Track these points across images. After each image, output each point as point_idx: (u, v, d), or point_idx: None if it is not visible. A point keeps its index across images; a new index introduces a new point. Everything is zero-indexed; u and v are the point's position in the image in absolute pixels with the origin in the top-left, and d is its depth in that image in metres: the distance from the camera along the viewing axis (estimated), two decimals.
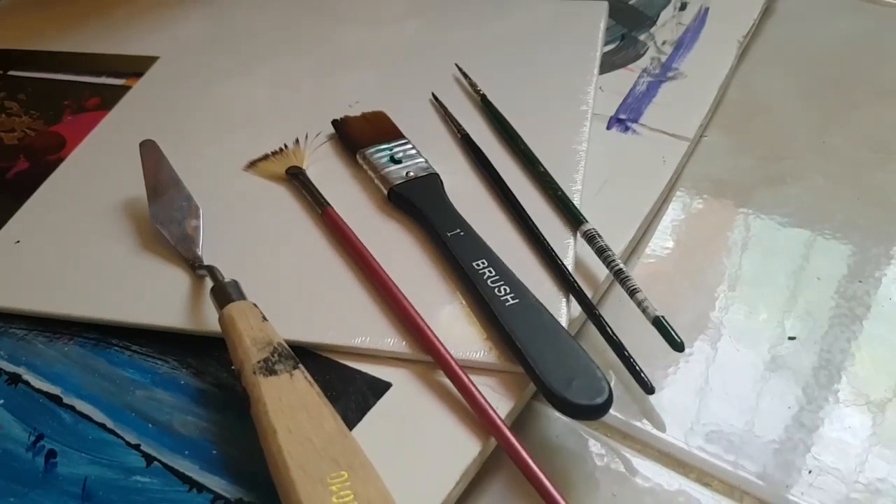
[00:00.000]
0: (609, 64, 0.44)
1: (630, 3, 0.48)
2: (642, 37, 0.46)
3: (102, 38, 0.47)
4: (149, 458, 0.26)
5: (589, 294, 0.31)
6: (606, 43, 0.45)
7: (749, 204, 0.37)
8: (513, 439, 0.26)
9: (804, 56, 0.46)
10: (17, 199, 0.36)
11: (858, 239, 0.35)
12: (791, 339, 0.31)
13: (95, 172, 0.38)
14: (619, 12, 0.48)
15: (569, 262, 0.32)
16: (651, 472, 0.28)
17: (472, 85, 0.41)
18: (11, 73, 0.45)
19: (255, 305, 0.29)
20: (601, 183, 0.37)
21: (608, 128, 0.40)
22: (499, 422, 0.26)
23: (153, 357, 0.30)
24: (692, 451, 0.28)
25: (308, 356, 0.29)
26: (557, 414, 0.28)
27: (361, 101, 0.41)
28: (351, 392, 0.28)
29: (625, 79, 0.43)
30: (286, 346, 0.27)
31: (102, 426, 0.27)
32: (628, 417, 0.29)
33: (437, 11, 0.48)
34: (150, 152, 0.36)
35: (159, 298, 0.31)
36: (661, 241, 0.36)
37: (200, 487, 0.25)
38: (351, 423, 0.27)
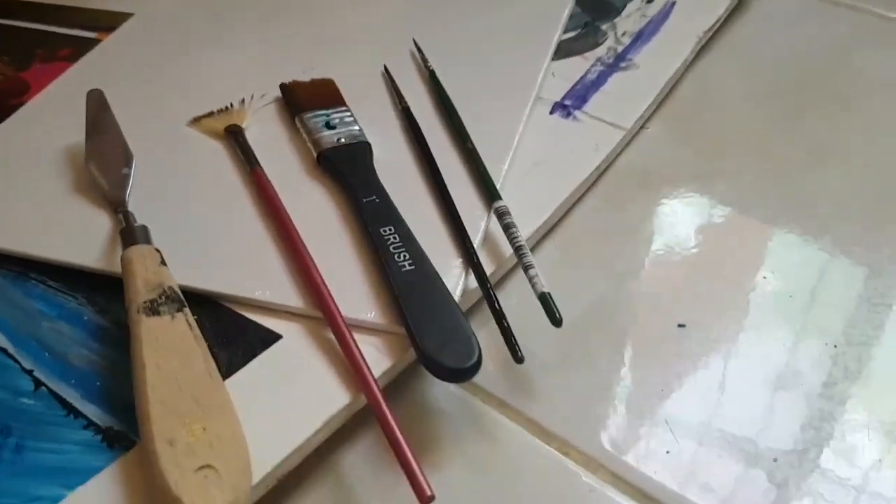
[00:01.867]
0: (566, 50, 0.45)
1: None
2: (604, 26, 0.46)
3: None
4: (38, 383, 0.28)
5: (492, 268, 0.32)
6: (568, 30, 0.46)
7: (672, 196, 0.38)
8: (377, 393, 0.27)
9: (766, 57, 0.46)
10: None
11: (772, 238, 0.36)
12: (680, 326, 0.32)
13: (48, 119, 0.39)
14: (587, 1, 0.48)
15: (477, 236, 0.33)
16: (518, 439, 0.28)
17: (424, 60, 0.42)
18: None
19: (158, 251, 0.30)
20: (531, 165, 0.38)
21: (551, 112, 0.41)
22: (368, 375, 0.27)
23: (64, 293, 0.31)
24: (557, 422, 0.29)
25: (210, 304, 0.31)
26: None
27: (317, 67, 0.42)
28: (241, 340, 0.29)
29: (579, 66, 0.44)
30: (177, 290, 0.29)
31: (3, 350, 0.29)
32: (507, 386, 0.30)
33: None
34: (95, 101, 0.37)
35: (79, 238, 0.33)
36: (580, 225, 0.36)
37: (77, 414, 0.27)
38: (235, 368, 0.28)
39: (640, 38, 0.45)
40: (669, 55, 0.44)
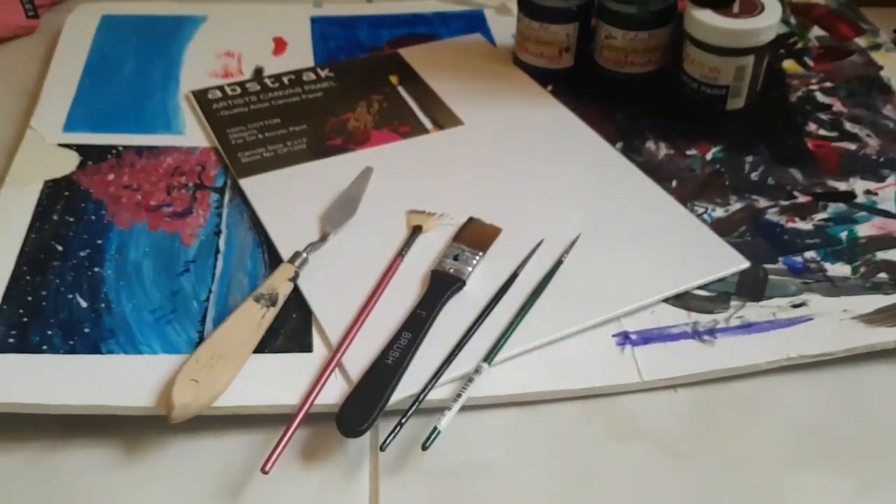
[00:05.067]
0: (684, 303, 0.54)
1: (769, 276, 0.55)
2: (734, 303, 0.54)
3: (455, 92, 0.70)
4: (207, 299, 0.52)
5: (450, 391, 0.47)
6: (708, 288, 0.54)
7: (616, 445, 0.47)
8: (307, 400, 0.46)
9: (862, 410, 0.49)
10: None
11: None
12: None
13: (350, 167, 0.62)
14: (748, 280, 0.55)
15: (456, 372, 0.48)
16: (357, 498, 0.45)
17: (564, 252, 0.55)
18: (400, 87, 0.71)
19: (297, 271, 0.52)
20: (545, 361, 0.50)
21: (614, 335, 0.52)
22: (312, 395, 0.46)
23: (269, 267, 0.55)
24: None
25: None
26: (381, 435, 0.45)
27: (513, 222, 0.58)
28: (297, 337, 0.50)
29: (677, 317, 0.53)
30: (279, 295, 0.50)
31: (213, 275, 0.54)
32: (392, 461, 0.46)
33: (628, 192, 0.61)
34: (364, 175, 0.60)
35: (294, 241, 0.55)
36: (543, 417, 0.48)
37: (203, 324, 0.50)
38: (274, 350, 0.49)
39: (746, 328, 0.52)
40: (749, 354, 0.50)
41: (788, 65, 0.75)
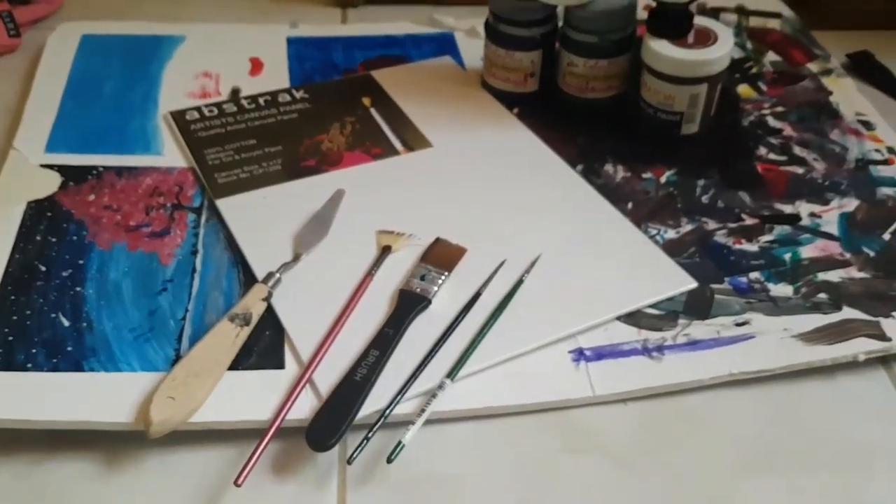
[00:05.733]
0: (635, 320, 0.57)
1: (715, 296, 0.59)
2: (681, 320, 0.57)
3: (425, 114, 0.73)
4: (184, 318, 0.55)
5: (415, 406, 0.50)
6: (659, 306, 0.58)
7: (560, 454, 0.50)
8: (279, 415, 0.48)
9: (804, 431, 0.53)
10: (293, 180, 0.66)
11: None
12: None
13: (323, 189, 0.65)
14: (695, 299, 0.59)
15: (422, 387, 0.51)
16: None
17: (525, 272, 0.59)
18: (372, 109, 0.74)
19: (270, 291, 0.55)
20: (503, 375, 0.53)
21: (570, 351, 0.55)
22: (283, 410, 0.49)
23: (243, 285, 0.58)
24: None
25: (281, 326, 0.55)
26: (349, 449, 0.48)
27: (478, 241, 0.61)
28: (271, 355, 0.53)
29: (628, 334, 0.56)
30: (252, 315, 0.53)
31: (190, 292, 0.56)
32: (358, 475, 0.49)
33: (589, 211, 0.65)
34: (336, 197, 0.63)
35: (268, 263, 0.58)
36: (496, 428, 0.52)
37: (179, 342, 0.53)
38: (248, 367, 0.52)
39: (692, 345, 0.56)
40: (694, 370, 0.54)
41: (743, 89, 0.79)
